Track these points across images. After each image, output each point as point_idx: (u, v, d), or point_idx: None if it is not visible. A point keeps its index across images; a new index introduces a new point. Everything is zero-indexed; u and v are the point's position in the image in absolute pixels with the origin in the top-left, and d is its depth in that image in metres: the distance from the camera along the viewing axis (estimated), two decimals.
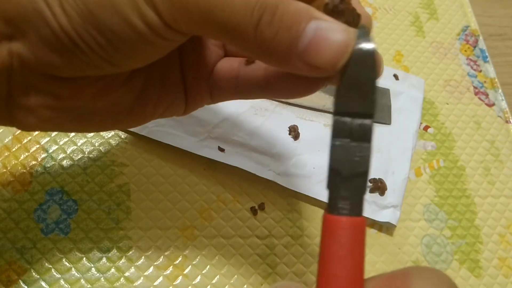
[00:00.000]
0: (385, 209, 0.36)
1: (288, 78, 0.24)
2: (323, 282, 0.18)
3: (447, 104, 0.44)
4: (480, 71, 0.46)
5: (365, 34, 0.18)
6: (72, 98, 0.21)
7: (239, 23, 0.18)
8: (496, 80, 0.46)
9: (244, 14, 0.18)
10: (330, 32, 0.18)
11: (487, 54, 0.48)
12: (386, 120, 0.40)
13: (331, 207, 0.19)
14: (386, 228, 0.36)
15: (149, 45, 0.20)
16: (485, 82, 0.46)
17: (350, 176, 0.18)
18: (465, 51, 0.47)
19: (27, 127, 0.22)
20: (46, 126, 0.22)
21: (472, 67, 0.46)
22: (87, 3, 0.18)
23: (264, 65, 0.25)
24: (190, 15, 0.18)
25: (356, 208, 0.18)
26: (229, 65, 0.26)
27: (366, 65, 0.18)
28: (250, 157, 0.35)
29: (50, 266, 0.30)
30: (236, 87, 0.26)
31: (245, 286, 0.32)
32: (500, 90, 0.45)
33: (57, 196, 0.32)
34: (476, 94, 0.45)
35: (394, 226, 0.36)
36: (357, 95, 0.18)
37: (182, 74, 0.25)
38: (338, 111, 0.19)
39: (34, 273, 0.30)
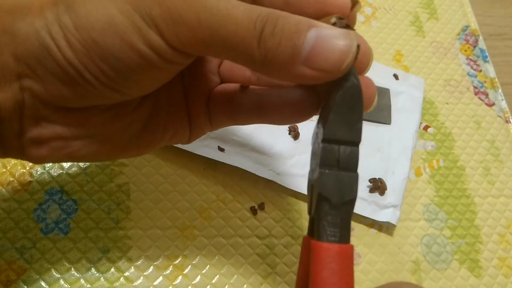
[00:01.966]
0: (385, 209, 0.36)
1: (280, 104, 0.24)
2: None
3: (447, 104, 0.44)
4: (480, 71, 0.46)
5: (352, 70, 0.19)
6: (83, 127, 0.22)
7: (242, 37, 0.18)
8: (496, 80, 0.46)
9: (247, 28, 0.18)
10: (331, 37, 0.18)
11: (487, 54, 0.47)
12: (386, 120, 0.40)
13: (320, 234, 0.19)
14: (386, 228, 0.36)
15: (155, 70, 0.20)
16: (485, 82, 0.46)
17: (339, 204, 0.19)
18: (465, 51, 0.47)
19: (39, 160, 0.22)
20: (57, 156, 0.22)
21: (472, 67, 0.46)
22: (89, 32, 0.18)
23: (258, 91, 0.25)
24: (193, 34, 0.18)
25: (345, 235, 0.19)
26: (224, 91, 0.26)
27: (353, 98, 0.19)
28: (250, 157, 0.35)
29: (50, 266, 0.30)
30: (232, 112, 0.26)
31: (245, 286, 0.32)
32: (500, 90, 0.45)
33: (57, 196, 0.32)
34: (476, 94, 0.45)
35: (394, 226, 0.36)
36: (346, 125, 0.19)
37: (185, 101, 0.26)
38: (326, 139, 0.20)
39: (33, 273, 0.30)
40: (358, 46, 0.19)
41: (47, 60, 0.19)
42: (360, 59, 0.20)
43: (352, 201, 0.19)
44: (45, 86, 0.20)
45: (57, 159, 0.23)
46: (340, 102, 0.19)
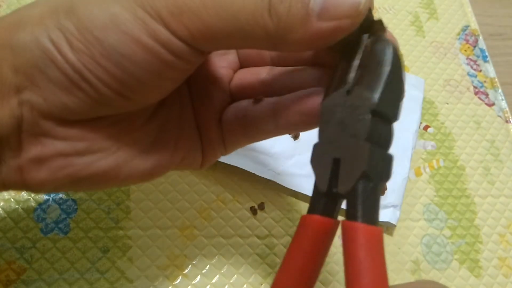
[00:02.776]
0: (385, 209, 0.36)
1: (299, 108, 0.23)
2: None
3: (447, 103, 0.44)
4: (480, 70, 0.46)
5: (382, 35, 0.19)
6: (85, 141, 0.20)
7: (252, 12, 0.18)
8: (496, 79, 0.46)
9: (254, 1, 0.18)
10: None
11: (487, 53, 0.47)
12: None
13: (359, 215, 0.18)
14: (386, 227, 0.36)
15: (163, 66, 0.19)
16: (485, 81, 0.46)
17: (379, 184, 0.18)
18: (465, 50, 0.47)
19: (39, 185, 0.21)
20: (58, 178, 0.21)
21: (472, 67, 0.46)
22: (92, 31, 0.18)
23: (273, 101, 0.24)
24: (201, 20, 0.18)
25: (378, 217, 0.18)
26: (237, 108, 0.25)
27: (400, 72, 0.18)
28: (250, 156, 0.35)
29: (50, 265, 0.30)
30: (246, 128, 0.25)
31: (245, 285, 0.32)
32: (500, 90, 0.45)
33: (57, 196, 0.32)
34: (476, 93, 0.45)
35: (394, 226, 0.36)
36: (392, 97, 0.18)
37: (196, 123, 0.25)
38: (377, 111, 0.18)
39: (33, 273, 0.30)
40: None
41: (48, 66, 0.18)
42: None
43: (385, 183, 0.18)
44: (46, 96, 0.19)
45: (58, 183, 0.21)
46: (389, 76, 0.18)
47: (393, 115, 0.19)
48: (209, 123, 0.25)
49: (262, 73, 0.25)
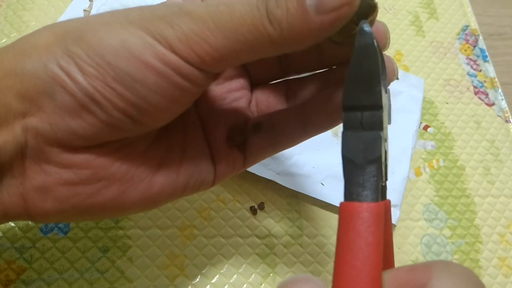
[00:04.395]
0: None
1: (325, 110, 0.24)
2: (339, 272, 0.17)
3: (447, 103, 0.44)
4: (480, 70, 0.46)
5: (367, 31, 0.19)
6: (91, 169, 0.20)
7: (253, 22, 0.18)
8: (496, 79, 0.46)
9: (251, 13, 0.18)
10: None
11: (487, 53, 0.47)
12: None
13: (347, 195, 0.19)
14: None
15: (173, 89, 0.19)
16: (485, 81, 0.46)
17: (363, 163, 0.19)
18: (465, 50, 0.47)
19: (44, 215, 0.21)
20: (64, 209, 0.21)
21: (472, 67, 0.46)
22: (103, 56, 0.18)
23: (299, 106, 0.25)
24: (206, 43, 0.18)
25: (373, 194, 0.18)
26: (263, 118, 0.25)
27: (370, 58, 0.19)
28: None
29: (50, 265, 0.30)
30: (274, 138, 0.25)
31: (245, 285, 0.32)
32: (500, 90, 0.45)
33: None
34: (476, 93, 0.45)
35: (394, 225, 0.36)
36: (364, 88, 0.19)
37: (208, 144, 0.25)
38: (346, 106, 0.19)
39: (33, 273, 0.30)
40: None
41: (56, 91, 0.18)
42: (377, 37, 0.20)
43: (377, 160, 0.19)
44: (52, 122, 0.19)
45: (63, 214, 0.21)
46: (354, 64, 0.19)
47: (373, 102, 0.19)
48: (224, 141, 0.25)
49: (282, 87, 0.26)
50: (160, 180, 0.23)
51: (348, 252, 0.17)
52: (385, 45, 0.22)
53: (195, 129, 0.24)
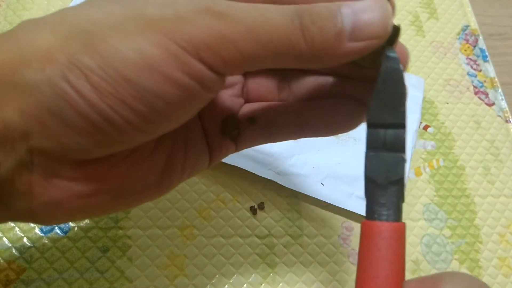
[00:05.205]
0: None
1: (326, 122, 0.24)
2: (362, 284, 0.18)
3: (447, 103, 0.44)
4: (480, 70, 0.46)
5: (393, 56, 0.20)
6: (102, 180, 0.19)
7: (286, 35, 0.18)
8: (496, 79, 0.46)
9: (286, 25, 0.18)
10: (365, 6, 0.18)
11: (487, 53, 0.47)
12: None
13: (369, 214, 0.19)
14: None
15: (192, 100, 0.18)
16: (485, 81, 0.46)
17: (386, 184, 0.19)
18: (465, 50, 0.47)
19: (52, 222, 0.20)
20: (72, 217, 0.20)
21: (472, 67, 0.46)
22: (120, 70, 0.16)
23: (297, 106, 0.24)
24: (235, 48, 0.17)
25: (394, 214, 0.19)
26: (256, 110, 0.25)
27: (396, 81, 0.20)
28: (250, 156, 0.35)
29: (49, 265, 0.30)
30: (268, 130, 0.25)
31: (245, 285, 0.32)
32: (500, 90, 0.45)
33: None
34: (476, 93, 0.45)
35: None
36: (389, 108, 0.20)
37: (203, 132, 0.24)
38: (371, 123, 0.20)
39: (33, 272, 0.30)
40: (390, 2, 0.19)
41: (63, 109, 0.16)
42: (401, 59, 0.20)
43: (399, 181, 0.19)
44: (60, 140, 0.17)
45: (72, 219, 0.20)
46: (381, 86, 0.20)
47: (397, 121, 0.20)
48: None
49: (276, 77, 0.25)
50: (166, 180, 0.22)
51: (371, 269, 0.18)
52: (406, 67, 0.22)
53: (195, 122, 0.24)
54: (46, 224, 0.20)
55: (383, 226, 0.19)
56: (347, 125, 0.24)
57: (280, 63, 0.19)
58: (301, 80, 0.25)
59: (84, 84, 0.16)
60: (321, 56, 0.18)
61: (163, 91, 0.17)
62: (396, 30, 0.20)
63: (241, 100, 0.26)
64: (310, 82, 0.25)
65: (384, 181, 0.19)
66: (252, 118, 0.25)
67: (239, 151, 0.26)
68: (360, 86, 0.23)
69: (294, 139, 0.26)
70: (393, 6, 0.20)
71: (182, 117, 0.19)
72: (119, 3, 0.17)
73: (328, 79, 0.24)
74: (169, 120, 0.18)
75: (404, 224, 0.19)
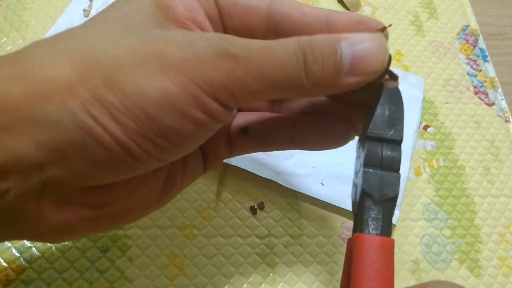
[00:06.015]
0: None
1: (318, 139, 0.25)
2: None
3: (447, 103, 0.44)
4: (480, 70, 0.46)
5: (393, 77, 0.22)
6: (110, 204, 0.20)
7: (291, 73, 0.19)
8: (496, 79, 0.46)
9: (291, 63, 0.19)
10: (363, 41, 0.20)
11: (487, 53, 0.47)
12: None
13: (362, 227, 0.21)
14: None
15: (205, 132, 0.20)
16: (485, 81, 0.46)
17: (381, 200, 0.21)
18: (465, 50, 0.47)
19: (59, 242, 0.21)
20: (79, 236, 0.21)
21: (472, 67, 0.46)
22: (143, 108, 0.17)
23: (292, 120, 0.26)
24: (246, 88, 0.18)
25: (386, 229, 0.20)
26: (254, 123, 0.26)
27: (394, 100, 0.22)
28: (250, 156, 0.35)
29: (49, 265, 0.30)
30: (261, 141, 0.26)
31: (245, 285, 0.32)
32: (500, 90, 0.45)
33: None
34: (476, 93, 0.45)
35: (394, 225, 0.36)
36: (388, 124, 0.21)
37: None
38: (371, 136, 0.21)
39: (33, 272, 0.30)
40: (384, 28, 0.21)
41: (89, 143, 0.17)
42: None
43: (393, 199, 0.21)
44: (78, 171, 0.17)
45: (79, 237, 0.21)
46: (383, 103, 0.22)
47: (395, 137, 0.21)
48: (215, 141, 0.25)
49: None
50: (169, 191, 0.23)
51: (365, 281, 0.19)
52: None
53: None
54: (53, 243, 0.21)
55: (378, 241, 0.20)
56: (336, 143, 0.25)
57: (282, 95, 0.20)
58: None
59: (108, 120, 0.17)
60: (320, 89, 0.20)
61: (182, 127, 0.18)
62: (388, 61, 0.21)
63: (234, 111, 0.27)
64: (304, 99, 0.26)
65: (380, 197, 0.21)
66: (244, 129, 0.26)
67: (232, 157, 0.27)
68: (351, 107, 0.25)
69: (286, 150, 0.27)
70: (387, 36, 0.21)
71: (194, 145, 0.20)
72: (136, 38, 0.18)
73: (321, 98, 0.26)
74: (184, 149, 0.20)
75: (393, 240, 0.20)
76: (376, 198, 0.21)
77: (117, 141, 0.17)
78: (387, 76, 0.22)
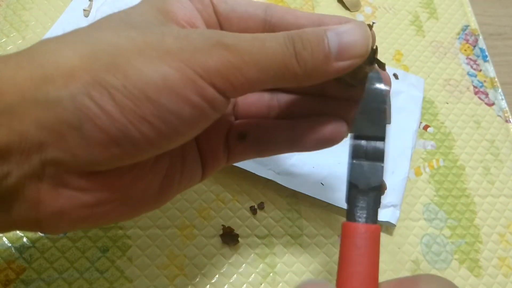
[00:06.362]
0: (384, 208, 0.36)
1: (316, 138, 0.26)
2: (343, 278, 0.21)
3: (447, 103, 0.44)
4: (480, 70, 0.46)
5: (378, 75, 0.23)
6: (107, 191, 0.20)
7: (283, 61, 0.20)
8: (496, 79, 0.46)
9: (281, 50, 0.20)
10: (347, 29, 0.22)
11: (487, 53, 0.47)
12: (386, 120, 0.40)
13: (349, 216, 0.22)
14: (385, 227, 0.36)
15: (202, 119, 0.20)
16: (485, 81, 0.46)
17: (366, 189, 0.22)
18: (465, 50, 0.47)
19: (57, 231, 0.21)
20: (77, 226, 0.21)
21: (472, 67, 0.46)
22: (144, 90, 0.18)
23: (288, 124, 0.26)
24: (241, 75, 0.20)
25: (372, 217, 0.22)
26: (251, 128, 0.27)
27: (378, 100, 0.23)
28: None
29: (49, 265, 0.30)
30: (259, 146, 0.27)
31: (245, 285, 0.32)
32: (500, 90, 0.45)
33: None
34: (476, 93, 0.45)
35: (394, 225, 0.36)
36: (371, 123, 0.22)
37: (198, 148, 0.26)
38: (355, 136, 0.23)
39: (33, 272, 0.30)
40: (369, 26, 0.23)
41: (84, 124, 0.18)
42: None
43: (378, 188, 0.22)
44: (76, 153, 0.18)
45: (76, 228, 0.21)
46: (365, 103, 0.23)
47: (377, 134, 0.22)
48: (214, 146, 0.26)
49: (266, 96, 0.27)
50: (166, 189, 0.24)
51: (351, 265, 0.20)
52: (390, 86, 0.24)
53: (191, 140, 0.25)
54: (51, 233, 0.22)
55: (363, 227, 0.21)
56: (332, 141, 0.26)
57: (278, 84, 0.21)
58: (290, 99, 0.27)
59: (107, 101, 0.18)
60: (313, 76, 0.21)
61: (180, 110, 0.19)
62: (374, 51, 0.23)
63: (232, 118, 0.27)
64: (299, 100, 0.27)
65: (365, 186, 0.22)
66: (243, 135, 0.26)
67: (230, 164, 0.28)
68: (344, 105, 0.26)
69: (283, 154, 0.27)
70: (373, 37, 0.23)
71: (191, 133, 0.21)
72: (137, 31, 0.19)
73: (315, 99, 0.27)
74: (180, 136, 0.20)
75: (379, 227, 0.21)
76: (361, 187, 0.22)
77: (114, 122, 0.18)
78: (381, 75, 0.23)
